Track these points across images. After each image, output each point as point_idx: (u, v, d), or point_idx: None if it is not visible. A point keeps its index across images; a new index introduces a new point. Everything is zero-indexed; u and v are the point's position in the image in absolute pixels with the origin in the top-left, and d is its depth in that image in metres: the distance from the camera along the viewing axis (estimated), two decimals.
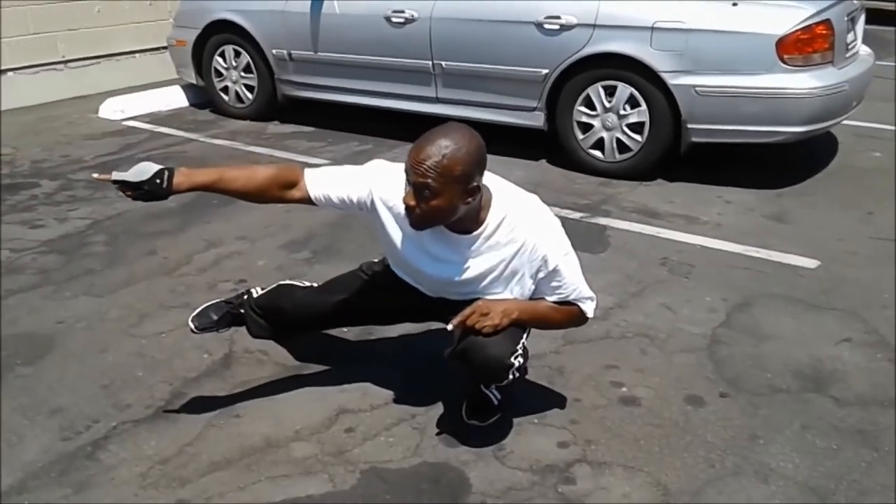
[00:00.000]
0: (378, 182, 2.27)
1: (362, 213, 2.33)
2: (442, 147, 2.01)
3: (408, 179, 2.07)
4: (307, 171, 2.33)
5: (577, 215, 4.19)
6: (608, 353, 2.88)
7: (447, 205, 2.06)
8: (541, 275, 2.25)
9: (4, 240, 3.94)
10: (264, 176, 2.28)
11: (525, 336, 2.31)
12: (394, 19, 5.22)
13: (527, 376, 2.69)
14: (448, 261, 2.26)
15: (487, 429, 2.43)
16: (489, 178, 2.20)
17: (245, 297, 2.71)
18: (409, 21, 5.17)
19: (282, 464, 2.31)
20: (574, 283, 2.29)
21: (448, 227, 2.20)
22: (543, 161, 5.13)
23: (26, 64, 6.71)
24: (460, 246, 2.23)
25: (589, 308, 2.36)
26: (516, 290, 2.29)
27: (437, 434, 2.43)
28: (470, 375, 2.41)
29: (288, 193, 2.29)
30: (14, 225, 4.14)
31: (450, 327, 2.22)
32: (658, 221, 4.11)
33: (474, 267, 2.25)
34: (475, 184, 2.07)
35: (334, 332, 2.93)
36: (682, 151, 4.59)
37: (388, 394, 2.64)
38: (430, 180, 2.01)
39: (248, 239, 3.89)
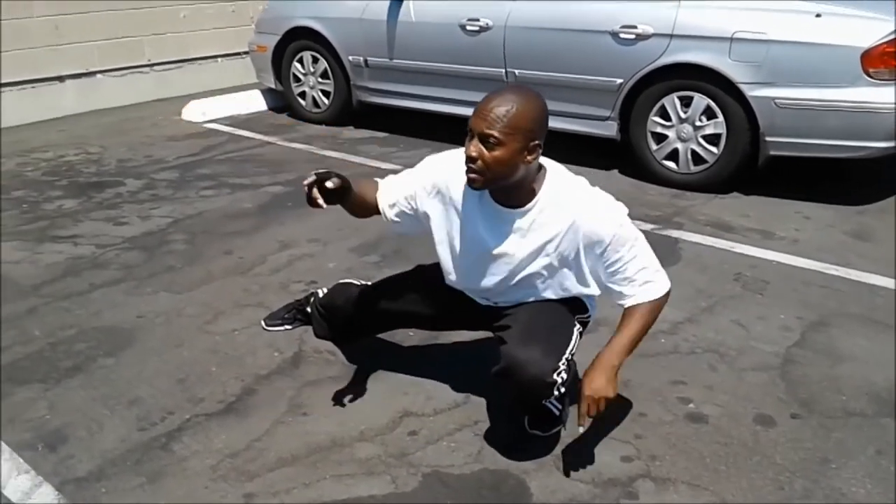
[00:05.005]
0: (431, 168, 2.30)
1: (422, 215, 2.33)
2: (511, 99, 2.03)
3: (472, 132, 2.06)
4: (380, 182, 2.39)
5: (648, 227, 4.14)
6: (676, 369, 2.84)
7: (509, 157, 2.03)
8: (596, 251, 2.18)
9: (90, 235, 4.12)
10: (371, 189, 2.37)
11: (569, 349, 2.24)
12: (468, 27, 5.27)
13: None
14: (499, 242, 2.21)
15: (549, 439, 2.42)
16: (546, 161, 2.20)
17: (312, 297, 2.78)
18: (483, 29, 5.21)
19: (346, 463, 2.35)
20: (637, 258, 2.21)
21: (500, 200, 2.18)
22: (615, 171, 5.09)
23: (115, 66, 7.02)
24: (512, 222, 2.19)
25: (659, 284, 2.26)
26: (567, 281, 2.25)
27: (499, 442, 2.43)
28: (514, 394, 2.35)
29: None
30: (100, 221, 4.33)
31: (580, 430, 2.24)
32: (732, 235, 4.02)
33: (524, 247, 2.20)
34: (537, 142, 2.07)
35: (400, 335, 2.97)
36: (759, 164, 4.49)
37: (453, 399, 2.66)
38: (497, 128, 2.00)
39: (321, 241, 3.97)
